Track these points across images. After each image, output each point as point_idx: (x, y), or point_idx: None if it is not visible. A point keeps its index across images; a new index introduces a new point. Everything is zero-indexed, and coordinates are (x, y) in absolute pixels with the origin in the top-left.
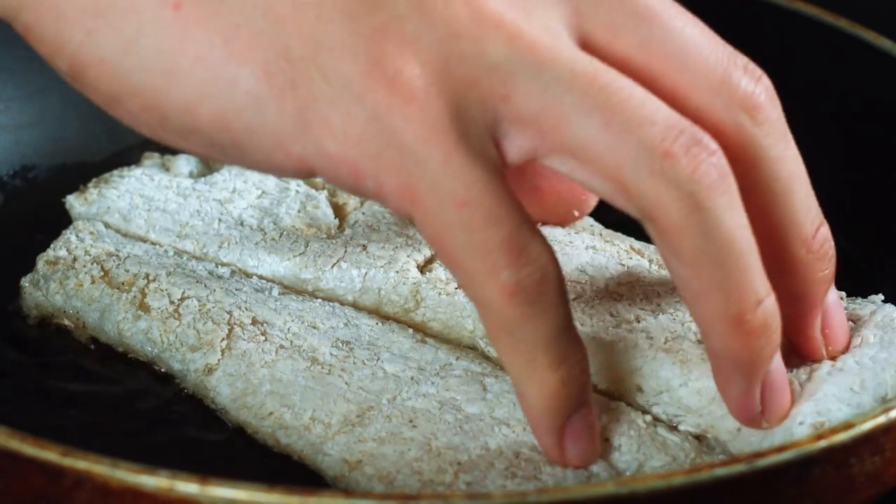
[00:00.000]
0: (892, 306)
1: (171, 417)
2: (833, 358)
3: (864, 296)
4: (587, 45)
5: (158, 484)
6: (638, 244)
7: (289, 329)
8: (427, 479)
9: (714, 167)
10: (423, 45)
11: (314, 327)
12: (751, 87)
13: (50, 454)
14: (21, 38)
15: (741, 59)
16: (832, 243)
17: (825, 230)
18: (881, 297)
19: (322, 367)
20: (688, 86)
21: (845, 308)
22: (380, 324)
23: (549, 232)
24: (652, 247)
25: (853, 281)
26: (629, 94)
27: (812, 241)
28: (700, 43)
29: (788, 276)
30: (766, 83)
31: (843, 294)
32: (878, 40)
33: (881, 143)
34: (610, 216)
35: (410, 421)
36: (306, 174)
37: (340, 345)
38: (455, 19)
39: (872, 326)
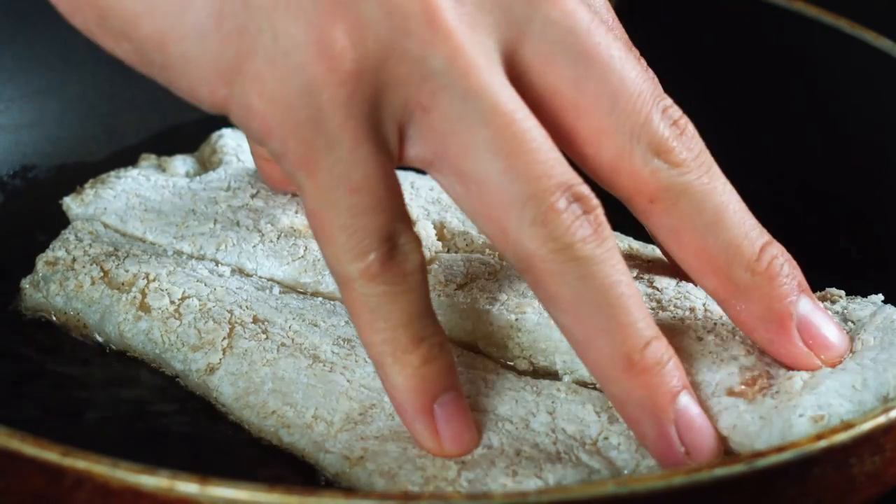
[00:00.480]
0: (891, 307)
1: (173, 417)
2: (833, 365)
3: (864, 295)
4: (520, 70)
5: (158, 484)
6: (637, 244)
7: (290, 327)
8: (430, 474)
9: (591, 222)
10: (374, 32)
11: (315, 325)
12: (666, 132)
13: (50, 454)
14: (21, 38)
15: (664, 102)
16: (783, 258)
17: (772, 249)
18: (881, 297)
19: (324, 365)
20: (609, 131)
21: (844, 308)
22: None
23: None
24: (651, 246)
25: (853, 281)
26: (538, 146)
27: (756, 264)
28: (631, 89)
29: (746, 302)
30: (682, 125)
31: (843, 293)
32: (878, 40)
33: (880, 143)
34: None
35: None
36: (219, 112)
37: (342, 343)
38: (410, 15)
39: (872, 329)
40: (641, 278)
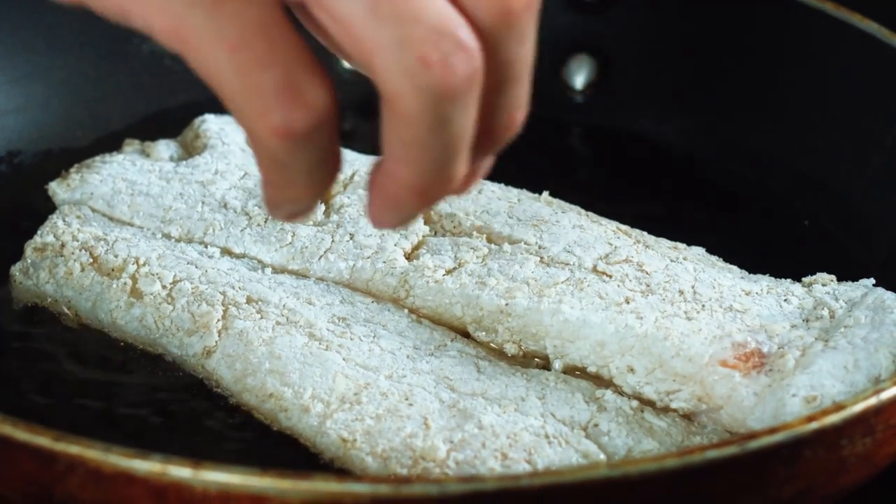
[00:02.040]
0: (882, 289)
1: (170, 401)
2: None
3: (854, 280)
4: None
5: (151, 468)
6: (624, 227)
7: (284, 305)
8: (419, 455)
9: (464, 78)
10: None
11: (310, 303)
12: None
13: (42, 439)
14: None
15: None
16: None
17: (517, 119)
18: (872, 280)
19: (320, 343)
20: None
21: (835, 290)
22: (375, 302)
23: (535, 211)
24: (637, 231)
25: (842, 265)
26: None
27: (500, 130)
28: None
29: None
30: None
31: (833, 278)
32: (865, 23)
33: (867, 127)
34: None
35: (407, 398)
36: (78, 4)
37: (337, 321)
38: None
39: (864, 308)
40: (630, 261)
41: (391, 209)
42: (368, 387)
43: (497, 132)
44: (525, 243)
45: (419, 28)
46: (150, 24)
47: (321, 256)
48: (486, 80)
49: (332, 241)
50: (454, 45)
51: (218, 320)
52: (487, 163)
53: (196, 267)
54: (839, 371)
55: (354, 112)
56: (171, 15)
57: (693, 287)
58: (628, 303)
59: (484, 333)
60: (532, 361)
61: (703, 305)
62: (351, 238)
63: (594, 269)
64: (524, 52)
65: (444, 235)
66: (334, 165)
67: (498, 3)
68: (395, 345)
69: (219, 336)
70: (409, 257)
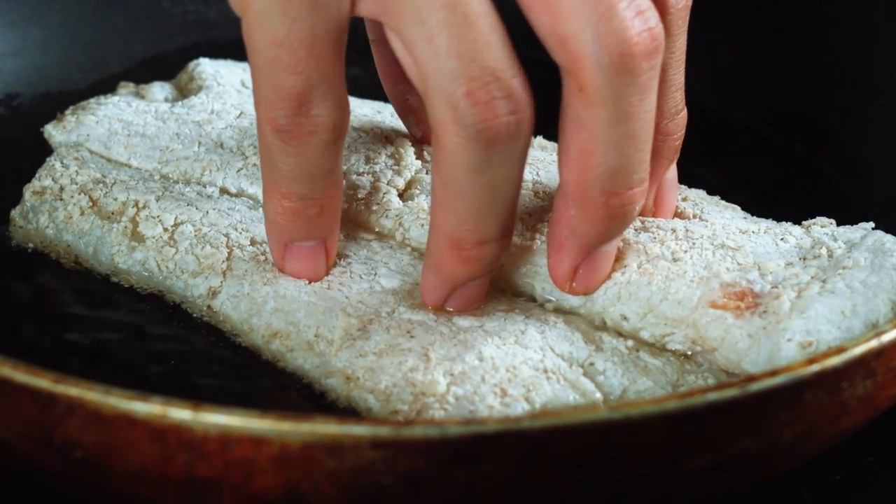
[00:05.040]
0: (882, 232)
1: (174, 343)
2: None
3: (853, 223)
4: None
5: (151, 410)
6: None
7: None
8: (419, 391)
9: (507, 126)
10: None
11: None
12: (629, 31)
13: (42, 381)
14: None
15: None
16: (633, 210)
17: (634, 194)
18: (871, 224)
19: (322, 283)
20: (574, 7)
21: (834, 231)
22: (377, 240)
23: (531, 153)
24: None
25: (841, 209)
26: (473, 20)
27: (613, 198)
28: None
29: (580, 213)
30: (652, 33)
31: (833, 221)
32: None
33: (862, 70)
34: None
35: (408, 332)
36: None
37: (338, 259)
38: None
39: (863, 249)
40: None
41: (433, 271)
42: (371, 322)
43: (612, 201)
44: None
45: (475, 66)
46: None
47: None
48: (595, 136)
49: None
50: (503, 91)
51: (222, 262)
52: (608, 252)
53: (196, 208)
54: (836, 316)
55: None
56: None
57: (685, 226)
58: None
59: None
60: (527, 304)
61: (693, 244)
62: (344, 177)
63: None
64: (643, 111)
65: None
66: (323, 190)
67: (612, 42)
68: (396, 282)
69: (223, 277)
70: (402, 197)
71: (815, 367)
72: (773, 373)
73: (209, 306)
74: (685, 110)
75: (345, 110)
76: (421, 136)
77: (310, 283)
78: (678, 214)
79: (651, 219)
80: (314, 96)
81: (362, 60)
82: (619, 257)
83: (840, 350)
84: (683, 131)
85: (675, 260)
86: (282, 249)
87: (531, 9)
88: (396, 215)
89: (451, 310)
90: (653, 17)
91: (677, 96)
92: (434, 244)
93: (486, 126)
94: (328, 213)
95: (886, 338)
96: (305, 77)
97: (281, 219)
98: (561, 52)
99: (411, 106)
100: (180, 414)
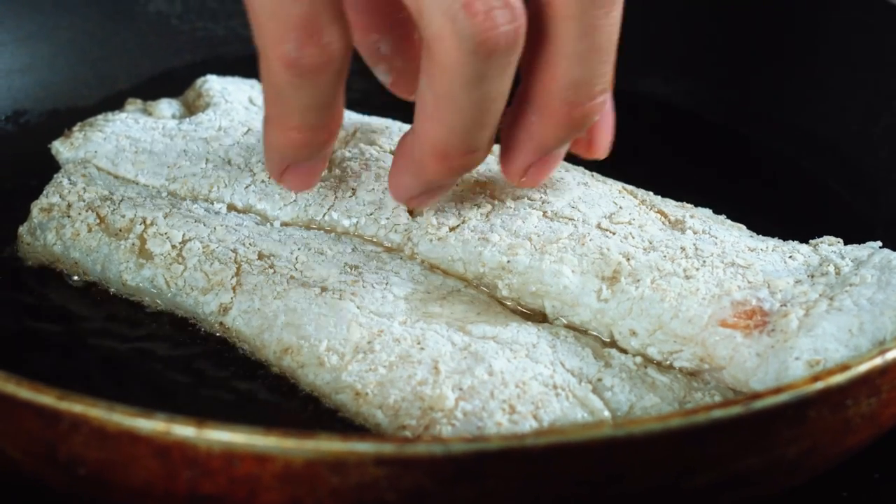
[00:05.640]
0: (889, 250)
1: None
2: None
3: (861, 241)
4: None
5: (155, 427)
6: (629, 186)
7: (296, 259)
8: (427, 405)
9: (505, 36)
10: None
11: (321, 253)
12: None
13: (46, 398)
14: None
15: None
16: (597, 115)
17: (599, 101)
18: (879, 243)
19: (333, 293)
20: None
21: (842, 250)
22: (386, 252)
23: None
24: (641, 190)
25: (848, 225)
26: None
27: (576, 108)
28: None
29: (543, 118)
30: None
31: (841, 240)
32: None
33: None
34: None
35: (419, 342)
36: None
37: (349, 269)
38: None
39: (870, 267)
40: (633, 220)
41: (411, 173)
42: (382, 334)
43: (574, 112)
44: (529, 199)
45: None
46: None
47: (325, 214)
48: (563, 49)
49: (335, 197)
50: (501, 1)
51: (232, 277)
52: (560, 152)
53: (204, 225)
54: (843, 334)
55: (363, 75)
56: None
57: (695, 244)
58: (629, 260)
59: (485, 290)
60: (536, 316)
61: (704, 261)
62: (353, 193)
63: (598, 226)
64: (608, 22)
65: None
66: (332, 117)
67: None
68: (407, 290)
69: (234, 292)
70: (412, 213)
71: (819, 385)
72: (777, 390)
73: (221, 323)
74: (604, 95)
75: (350, 35)
76: (391, 83)
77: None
78: (679, 224)
79: (659, 237)
80: (322, 22)
81: (367, 77)
82: (632, 272)
83: (844, 368)
84: (595, 116)
85: (687, 277)
86: (281, 171)
87: None
88: (405, 230)
89: (411, 205)
90: (519, 10)
91: (596, 75)
92: (419, 150)
93: (485, 37)
94: (334, 136)
95: (891, 356)
96: (312, 3)
97: (287, 148)
98: (421, 23)
99: (382, 54)
100: (184, 431)
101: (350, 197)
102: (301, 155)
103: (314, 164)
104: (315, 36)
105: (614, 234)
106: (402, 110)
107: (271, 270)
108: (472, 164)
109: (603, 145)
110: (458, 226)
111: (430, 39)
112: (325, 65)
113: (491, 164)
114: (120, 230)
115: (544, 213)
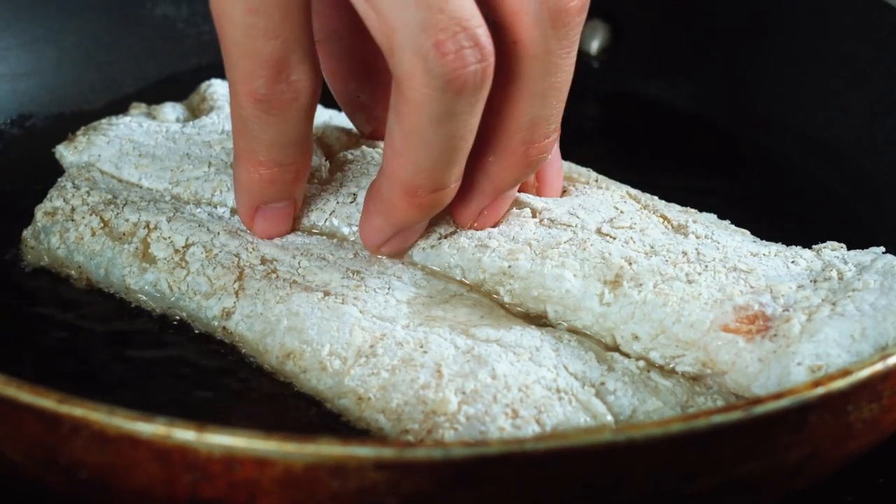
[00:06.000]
0: (892, 256)
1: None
2: (474, 228)
3: (864, 245)
4: None
5: (155, 431)
6: (634, 191)
7: (299, 263)
8: (430, 409)
9: (474, 75)
10: None
11: (323, 259)
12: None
13: (46, 401)
14: None
15: None
16: (549, 154)
17: (552, 140)
18: (882, 249)
19: (336, 297)
20: None
21: (845, 255)
22: (387, 257)
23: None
24: (646, 194)
25: (852, 229)
26: None
27: (532, 147)
28: None
29: (497, 165)
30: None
31: (844, 246)
32: None
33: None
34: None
35: (421, 346)
36: None
37: (351, 274)
38: None
39: (873, 272)
40: (635, 224)
41: (381, 214)
42: (384, 337)
43: (530, 151)
44: (526, 208)
45: (442, 17)
46: None
47: (326, 220)
48: (525, 87)
49: (337, 202)
50: (471, 40)
51: (234, 281)
52: (511, 194)
53: (207, 229)
54: (845, 340)
55: None
56: None
57: (697, 249)
58: (630, 265)
59: (488, 294)
60: (539, 320)
61: (707, 266)
62: (354, 199)
63: (598, 231)
64: (568, 63)
65: None
66: (300, 154)
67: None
68: (409, 295)
69: (236, 297)
70: None
71: (820, 390)
72: (778, 395)
73: (224, 327)
74: (557, 134)
75: (319, 73)
76: (370, 133)
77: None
78: (681, 229)
79: (660, 243)
80: (292, 60)
81: None
82: (634, 276)
83: (846, 373)
84: (547, 154)
85: (689, 282)
86: (252, 213)
87: None
88: None
89: (384, 253)
90: (487, 50)
91: (552, 114)
92: (387, 190)
93: (455, 76)
94: (301, 176)
95: (892, 361)
96: (283, 41)
97: (256, 185)
98: (500, 6)
99: (361, 102)
100: (184, 434)
101: (351, 203)
102: (269, 193)
103: (284, 208)
104: (284, 73)
105: (615, 238)
106: None
107: (274, 275)
108: (440, 203)
109: (555, 185)
110: (450, 234)
111: (400, 77)
112: (292, 101)
113: None
114: (123, 234)
115: (541, 220)
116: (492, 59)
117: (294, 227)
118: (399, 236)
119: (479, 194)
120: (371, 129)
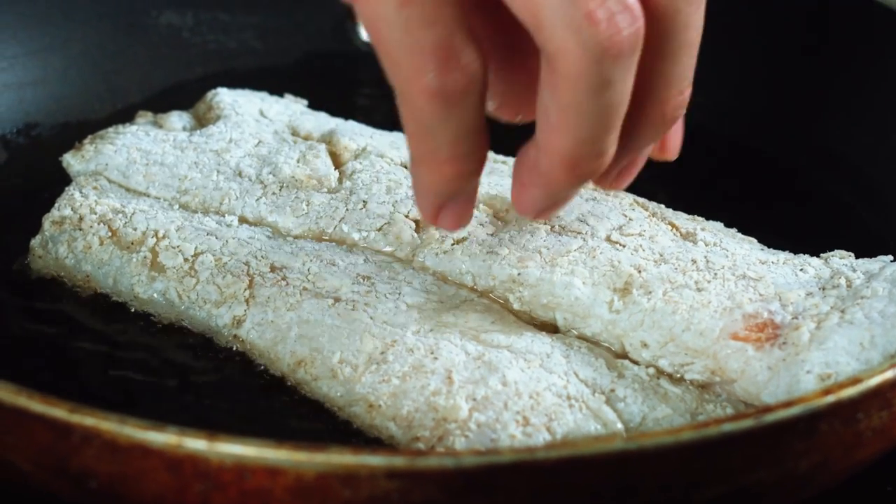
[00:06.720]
0: None
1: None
2: (610, 187)
3: (872, 255)
4: None
5: (167, 441)
6: (641, 199)
7: (308, 270)
8: (441, 416)
9: (628, 39)
10: None
11: (333, 265)
12: (616, 26)
13: (58, 411)
14: None
15: None
16: (685, 109)
17: (686, 96)
18: (890, 257)
19: (346, 304)
20: None
21: (853, 263)
22: (398, 263)
23: None
24: (653, 203)
25: (861, 239)
26: None
27: (668, 105)
28: None
29: (635, 125)
30: (637, 27)
31: (852, 254)
32: None
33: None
34: None
35: (432, 352)
36: None
37: (361, 280)
38: None
39: (882, 280)
40: (644, 232)
41: (540, 187)
42: (395, 344)
43: (666, 108)
44: None
45: None
46: None
47: (335, 226)
48: (660, 47)
49: (346, 209)
50: (620, 5)
51: (244, 289)
52: (647, 152)
53: (216, 238)
54: (855, 348)
55: (373, 87)
56: None
57: (706, 256)
58: (640, 272)
59: (498, 301)
60: (548, 327)
61: (716, 274)
62: (364, 206)
63: (607, 239)
64: (698, 18)
65: None
66: (480, 141)
67: (598, 39)
68: (420, 300)
69: (247, 305)
70: (418, 228)
71: (830, 398)
72: (788, 403)
73: (235, 335)
74: (690, 90)
75: (483, 51)
76: (495, 108)
77: (451, 230)
78: (690, 237)
79: (669, 251)
80: (457, 42)
81: (373, 91)
82: (644, 284)
83: (855, 381)
84: (683, 110)
85: (699, 290)
86: (436, 211)
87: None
88: (410, 248)
89: (540, 218)
90: (637, 11)
91: (686, 70)
92: (546, 164)
93: (611, 43)
94: (483, 162)
95: None
96: (443, 25)
97: (440, 185)
98: (542, 37)
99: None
100: (195, 444)
101: (361, 209)
102: (455, 188)
103: (466, 198)
104: (454, 60)
105: (625, 246)
106: None
107: (284, 282)
108: (600, 169)
109: (676, 143)
110: (463, 239)
111: (552, 52)
112: (469, 86)
113: (500, 182)
114: (132, 243)
115: (552, 227)
116: (642, 20)
117: (305, 232)
118: (557, 203)
119: (618, 155)
120: (496, 104)
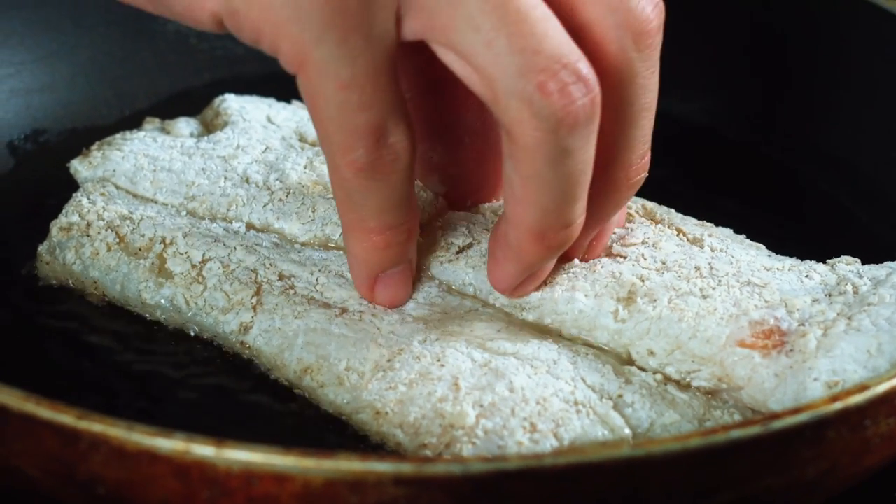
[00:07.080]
0: None
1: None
2: (583, 259)
3: (879, 261)
4: None
5: (174, 447)
6: (650, 204)
7: (317, 280)
8: (448, 423)
9: (583, 108)
10: None
11: (341, 276)
12: (646, 11)
13: (65, 417)
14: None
15: None
16: (647, 174)
17: (646, 161)
18: None
19: (353, 314)
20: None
21: (859, 270)
22: None
23: None
24: (663, 207)
25: (867, 247)
26: (525, 13)
27: (631, 170)
28: None
29: (600, 192)
30: (660, 9)
31: (858, 260)
32: (889, 3)
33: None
34: None
35: (439, 360)
36: (219, 28)
37: None
38: None
39: (888, 286)
40: (647, 240)
41: (512, 261)
42: (402, 352)
43: (630, 173)
44: None
45: (539, 58)
46: (277, 48)
47: (341, 233)
48: (619, 113)
49: None
50: (573, 75)
51: (252, 297)
52: (616, 220)
53: (224, 245)
54: (862, 355)
55: None
56: (299, 45)
57: (710, 263)
58: (643, 282)
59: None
60: (555, 335)
61: (720, 281)
62: None
63: (608, 251)
64: (654, 81)
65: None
66: (408, 213)
67: (633, 24)
68: (425, 311)
69: (254, 312)
70: (422, 232)
71: (837, 405)
72: (796, 410)
73: (242, 342)
74: (649, 155)
75: (413, 131)
76: (445, 193)
77: (389, 306)
78: (697, 242)
79: (672, 259)
80: (388, 125)
81: None
82: (648, 292)
83: (863, 388)
84: (645, 174)
85: (704, 297)
86: (371, 283)
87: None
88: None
89: (517, 296)
90: (592, 81)
91: (646, 134)
92: (515, 237)
93: (564, 113)
94: (413, 234)
95: None
96: (377, 110)
97: (371, 254)
98: (582, 39)
99: (434, 163)
100: (203, 450)
101: None
102: (386, 259)
103: (403, 272)
104: (382, 139)
105: (625, 257)
106: None
107: (292, 291)
108: (570, 239)
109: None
110: (469, 246)
111: (509, 124)
112: (394, 163)
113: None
114: (139, 249)
115: None
116: (598, 90)
117: (309, 242)
118: (531, 277)
119: (587, 225)
120: (446, 189)
